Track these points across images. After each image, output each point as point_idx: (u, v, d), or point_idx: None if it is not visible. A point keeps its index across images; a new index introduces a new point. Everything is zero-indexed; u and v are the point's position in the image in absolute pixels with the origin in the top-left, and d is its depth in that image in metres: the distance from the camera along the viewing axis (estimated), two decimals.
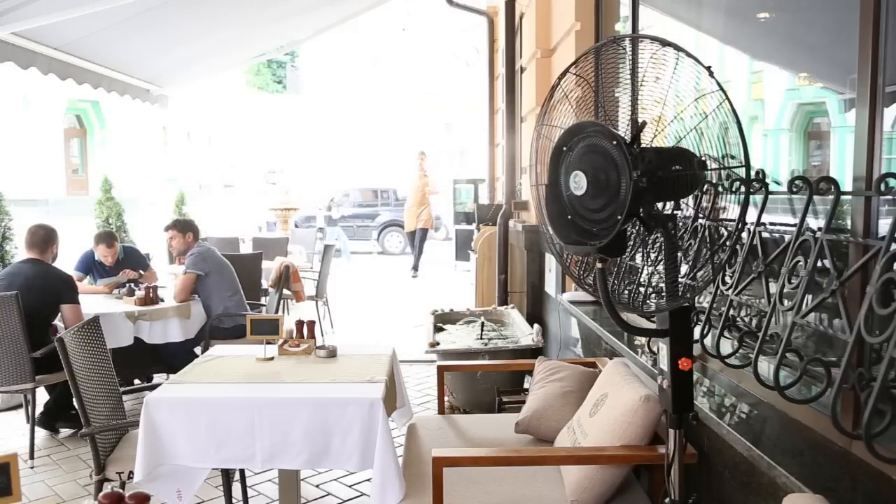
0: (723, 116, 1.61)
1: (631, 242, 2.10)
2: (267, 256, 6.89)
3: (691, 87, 1.65)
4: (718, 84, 1.58)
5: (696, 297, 2.36)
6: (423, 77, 30.42)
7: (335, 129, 31.26)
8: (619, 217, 1.63)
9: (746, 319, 2.17)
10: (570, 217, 1.79)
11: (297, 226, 13.12)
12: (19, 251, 5.61)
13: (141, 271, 5.46)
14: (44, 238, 4.39)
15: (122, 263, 5.44)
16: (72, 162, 20.95)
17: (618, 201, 1.64)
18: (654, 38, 1.68)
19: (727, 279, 2.16)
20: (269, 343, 3.22)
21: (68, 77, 5.12)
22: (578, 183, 1.71)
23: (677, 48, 1.63)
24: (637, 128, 1.71)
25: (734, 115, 1.58)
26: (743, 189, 1.96)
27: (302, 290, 6.91)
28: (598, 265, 1.81)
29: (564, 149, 1.79)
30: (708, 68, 1.58)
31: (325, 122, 31.48)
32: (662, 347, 1.89)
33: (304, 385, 2.86)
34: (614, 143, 1.64)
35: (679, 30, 3.56)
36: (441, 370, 3.48)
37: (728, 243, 1.82)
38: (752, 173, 1.95)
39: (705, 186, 1.78)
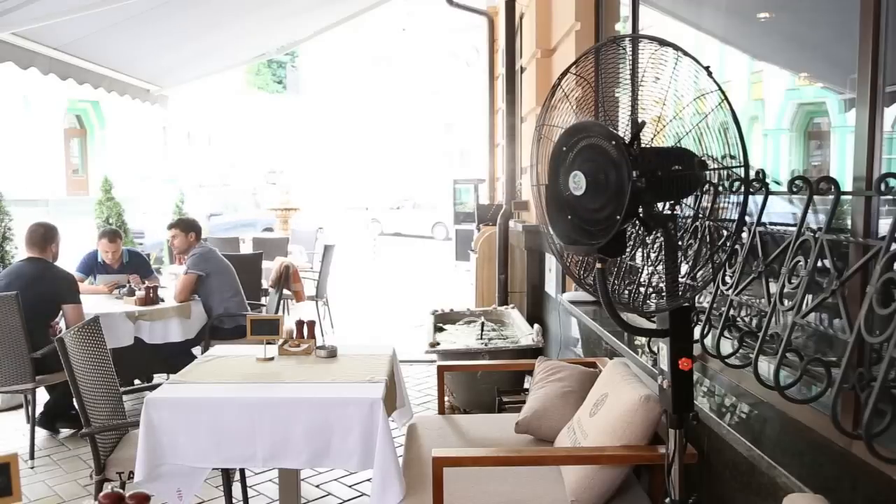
0: (722, 116, 1.61)
1: (631, 242, 2.10)
2: (267, 256, 6.89)
3: (690, 86, 1.65)
4: (717, 84, 1.58)
5: (697, 297, 2.36)
6: (423, 77, 30.44)
7: (335, 129, 31.27)
8: (619, 217, 1.63)
9: (746, 319, 2.17)
10: (569, 217, 1.79)
11: None
12: (20, 251, 5.60)
13: (146, 281, 5.35)
14: (43, 236, 4.38)
15: (125, 267, 5.41)
16: (72, 162, 20.95)
17: (617, 201, 1.64)
18: (653, 38, 1.68)
19: (727, 279, 2.16)
20: (269, 343, 3.22)
21: (68, 77, 5.12)
22: (578, 183, 1.71)
23: (676, 48, 1.63)
24: (637, 127, 1.71)
25: (733, 115, 1.58)
26: (743, 189, 1.97)
27: (302, 291, 6.90)
28: (598, 265, 1.81)
29: (564, 149, 1.79)
30: (706, 68, 1.58)
31: (325, 122, 31.49)
32: (662, 347, 1.89)
33: (304, 385, 2.86)
34: (613, 143, 1.64)
35: (679, 30, 3.56)
36: (441, 370, 3.48)
37: (728, 243, 1.82)
38: (752, 173, 1.95)
39: (706, 186, 1.78)
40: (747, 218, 1.96)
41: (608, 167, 1.65)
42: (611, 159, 1.65)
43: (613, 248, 1.70)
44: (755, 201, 2.00)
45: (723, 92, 1.58)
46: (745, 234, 2.06)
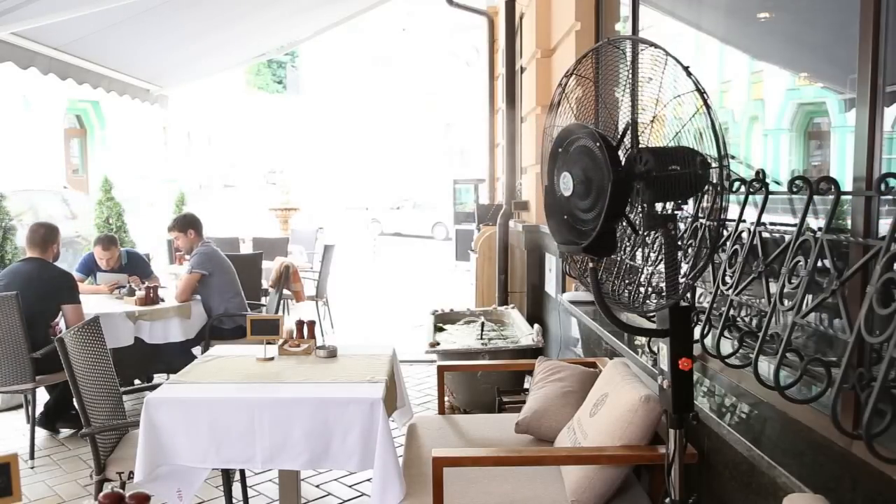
0: (703, 116, 1.61)
1: (630, 243, 2.10)
2: (267, 256, 6.88)
3: (675, 86, 1.65)
4: (696, 83, 1.58)
5: (696, 297, 2.36)
6: (423, 77, 30.43)
7: (335, 129, 31.26)
8: (601, 217, 1.64)
9: (746, 319, 2.17)
10: (565, 217, 1.81)
11: None
12: (20, 251, 5.59)
13: (145, 282, 5.32)
14: (44, 237, 4.38)
15: (125, 269, 5.39)
16: (72, 162, 20.93)
17: (602, 201, 1.65)
18: (637, 39, 1.69)
19: (727, 279, 2.16)
20: (269, 343, 3.22)
21: (68, 77, 5.12)
22: (566, 184, 1.74)
23: (657, 47, 1.63)
24: (633, 126, 1.72)
25: (708, 116, 1.59)
26: (742, 189, 1.97)
27: (302, 291, 6.91)
28: (590, 264, 1.82)
29: (560, 150, 1.80)
30: (686, 68, 1.59)
31: (324, 122, 31.48)
32: (663, 347, 1.89)
33: (304, 385, 2.86)
34: (598, 144, 1.65)
35: (680, 30, 3.55)
36: (441, 370, 3.48)
37: (720, 242, 1.82)
38: (753, 174, 1.95)
39: (706, 186, 1.78)
40: (746, 218, 1.96)
41: (596, 168, 1.67)
42: (598, 160, 1.66)
43: (599, 247, 1.72)
44: (754, 201, 2.00)
45: (701, 92, 1.58)
46: (745, 235, 2.06)
